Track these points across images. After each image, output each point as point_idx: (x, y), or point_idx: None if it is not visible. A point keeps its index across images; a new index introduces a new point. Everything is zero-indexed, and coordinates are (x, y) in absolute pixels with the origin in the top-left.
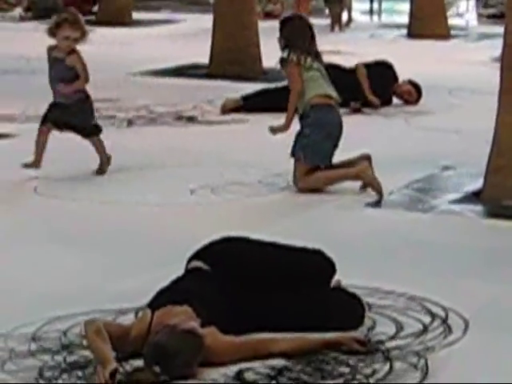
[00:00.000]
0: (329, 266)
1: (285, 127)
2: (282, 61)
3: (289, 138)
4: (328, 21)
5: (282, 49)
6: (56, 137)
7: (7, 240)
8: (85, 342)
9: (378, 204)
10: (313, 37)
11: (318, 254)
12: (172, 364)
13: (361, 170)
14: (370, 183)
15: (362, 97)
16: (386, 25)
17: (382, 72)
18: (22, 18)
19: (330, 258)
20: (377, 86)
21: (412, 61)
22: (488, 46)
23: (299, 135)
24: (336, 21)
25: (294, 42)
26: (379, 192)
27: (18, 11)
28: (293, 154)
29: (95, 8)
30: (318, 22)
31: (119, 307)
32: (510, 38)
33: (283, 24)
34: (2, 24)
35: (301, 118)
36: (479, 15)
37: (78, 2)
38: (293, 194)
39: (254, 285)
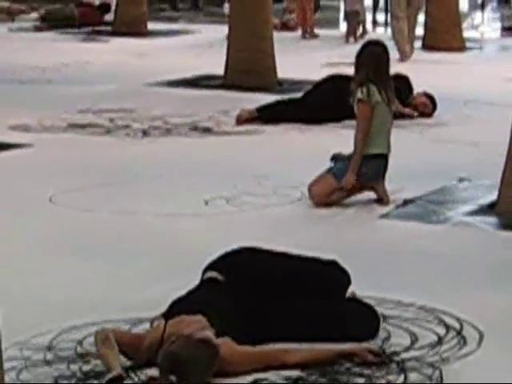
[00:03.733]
0: (344, 277)
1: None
2: None
3: (303, 149)
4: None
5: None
6: (71, 146)
7: (23, 250)
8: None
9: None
10: None
11: (333, 264)
12: (187, 373)
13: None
14: (381, 198)
15: None
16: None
17: (397, 84)
18: (37, 28)
19: (345, 268)
20: None
21: (427, 73)
22: (504, 58)
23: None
24: (352, 32)
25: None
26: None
27: (32, 16)
28: (330, 169)
29: (106, 17)
30: (332, 33)
31: (135, 317)
32: None
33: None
34: (18, 34)
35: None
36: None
37: (93, 11)
38: (307, 206)
39: (268, 295)
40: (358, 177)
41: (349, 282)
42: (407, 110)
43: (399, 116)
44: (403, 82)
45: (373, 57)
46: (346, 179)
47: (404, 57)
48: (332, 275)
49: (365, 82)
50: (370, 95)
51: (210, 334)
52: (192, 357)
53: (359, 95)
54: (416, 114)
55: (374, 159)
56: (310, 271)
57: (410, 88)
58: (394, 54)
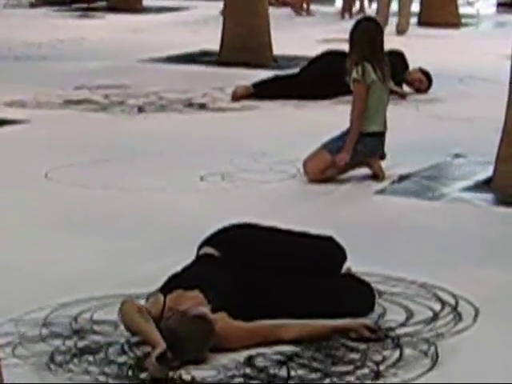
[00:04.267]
0: (339, 253)
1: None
2: None
3: (299, 125)
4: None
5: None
6: (66, 122)
7: (19, 226)
8: (124, 321)
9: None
10: None
11: (329, 240)
12: (182, 349)
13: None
14: (377, 174)
15: None
16: (396, 13)
17: (392, 60)
18: (32, 5)
19: (341, 244)
20: None
21: (423, 49)
22: (499, 34)
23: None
24: (347, 9)
25: None
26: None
27: None
28: (325, 145)
29: None
30: (327, 10)
31: (130, 293)
32: None
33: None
34: (13, 11)
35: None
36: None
37: None
38: (303, 182)
39: (264, 271)
40: (354, 154)
41: (344, 258)
42: (399, 90)
43: (391, 92)
44: (398, 58)
45: (366, 34)
46: (340, 157)
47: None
48: (328, 251)
49: (360, 61)
50: (365, 75)
51: (205, 309)
52: (188, 333)
53: (354, 75)
54: (407, 93)
55: (371, 137)
56: (306, 247)
57: (405, 64)
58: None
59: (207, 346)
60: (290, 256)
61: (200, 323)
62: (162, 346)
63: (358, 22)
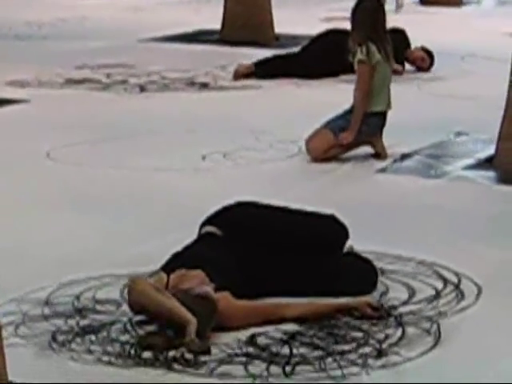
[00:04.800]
0: (342, 231)
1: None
2: None
3: (300, 104)
4: None
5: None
6: (68, 101)
7: (20, 205)
8: (140, 302)
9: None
10: None
11: (331, 219)
12: (185, 328)
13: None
14: (379, 152)
15: None
16: None
17: (394, 38)
18: None
19: (343, 223)
20: None
21: (425, 27)
22: (501, 13)
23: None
24: None
25: None
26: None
27: None
28: (328, 123)
29: None
30: None
31: (132, 271)
32: None
33: None
34: None
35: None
36: None
37: None
38: (305, 160)
39: (266, 250)
40: (357, 134)
41: (346, 236)
42: (395, 66)
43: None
44: (400, 36)
45: (369, 14)
46: (344, 136)
47: None
48: (330, 229)
49: (364, 42)
50: (369, 55)
51: (208, 288)
52: (190, 312)
53: (360, 56)
54: (401, 68)
55: (374, 116)
56: (308, 225)
57: (407, 42)
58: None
59: (210, 326)
60: (292, 234)
61: (203, 302)
62: (193, 321)
63: (360, 1)
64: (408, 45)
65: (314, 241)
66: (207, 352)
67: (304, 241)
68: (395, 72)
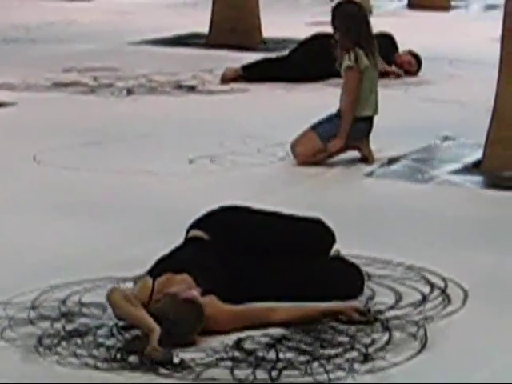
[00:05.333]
0: (328, 236)
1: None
2: None
3: (288, 108)
4: None
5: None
6: (55, 105)
7: (6, 208)
8: (114, 311)
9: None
10: None
11: (318, 223)
12: (172, 332)
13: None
14: (366, 157)
15: None
16: None
17: (382, 42)
18: None
19: (330, 227)
20: None
21: (412, 32)
22: (489, 17)
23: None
24: None
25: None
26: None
27: None
28: (314, 127)
29: None
30: None
31: (119, 276)
32: (510, 6)
33: None
34: None
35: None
36: None
37: None
38: (292, 164)
39: (253, 254)
40: (345, 139)
41: (333, 241)
42: (394, 69)
43: (384, 74)
44: (388, 41)
45: (353, 19)
46: (333, 143)
47: None
48: (316, 233)
49: (352, 47)
50: (358, 61)
51: (195, 293)
52: (177, 316)
53: (348, 62)
54: (402, 72)
55: (362, 121)
56: (294, 229)
57: (394, 46)
58: None
59: (197, 330)
60: (278, 239)
61: (190, 307)
62: (157, 329)
63: (338, 5)
64: (395, 49)
65: (300, 245)
66: (170, 361)
67: (290, 245)
68: (397, 76)
